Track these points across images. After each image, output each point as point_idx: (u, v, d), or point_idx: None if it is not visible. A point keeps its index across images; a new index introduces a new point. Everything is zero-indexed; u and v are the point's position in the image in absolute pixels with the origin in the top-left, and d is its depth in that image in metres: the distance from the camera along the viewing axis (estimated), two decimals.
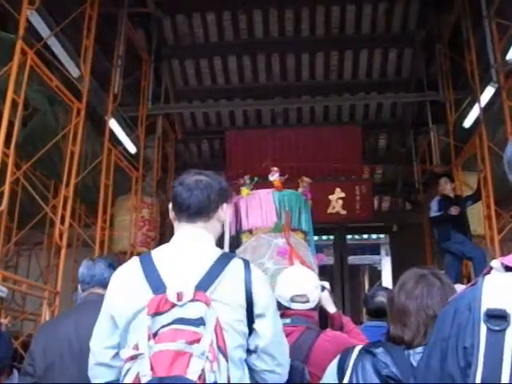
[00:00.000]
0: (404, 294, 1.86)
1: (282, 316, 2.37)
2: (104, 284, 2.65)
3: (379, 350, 1.77)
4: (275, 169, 4.83)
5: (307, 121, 12.21)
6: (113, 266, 2.80)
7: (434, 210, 7.30)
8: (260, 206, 4.75)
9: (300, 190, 4.97)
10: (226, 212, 1.93)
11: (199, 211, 1.85)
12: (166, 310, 1.55)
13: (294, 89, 11.10)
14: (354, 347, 1.87)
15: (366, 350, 1.80)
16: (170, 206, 1.92)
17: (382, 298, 3.52)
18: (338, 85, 11.14)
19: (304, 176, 5.15)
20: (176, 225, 1.90)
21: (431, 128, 10.20)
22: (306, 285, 2.65)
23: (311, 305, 2.62)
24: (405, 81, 10.98)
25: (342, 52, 10.57)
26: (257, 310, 1.72)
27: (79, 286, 2.86)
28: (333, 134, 11.74)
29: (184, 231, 1.86)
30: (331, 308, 2.86)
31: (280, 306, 2.49)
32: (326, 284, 3.00)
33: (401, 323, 1.82)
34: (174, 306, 1.55)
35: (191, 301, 1.56)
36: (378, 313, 3.51)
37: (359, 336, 2.74)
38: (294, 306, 2.59)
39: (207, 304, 1.57)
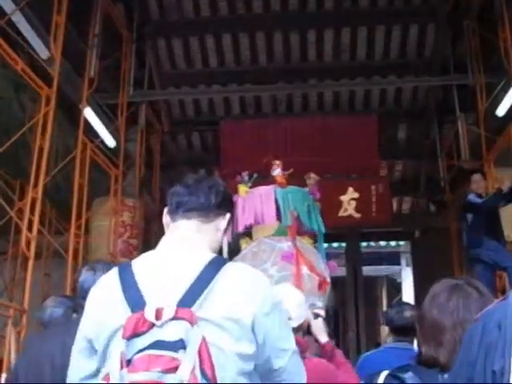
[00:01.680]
0: (436, 308, 1.85)
1: None
2: None
3: (408, 375, 1.76)
4: (277, 162, 4.84)
5: (314, 109, 12.20)
6: None
7: (477, 199, 7.18)
8: (260, 202, 4.76)
9: (307, 188, 4.99)
10: (227, 223, 1.93)
11: (198, 207, 1.85)
12: (144, 330, 1.52)
13: (298, 72, 11.10)
14: (379, 372, 1.86)
15: (394, 376, 1.80)
16: (166, 210, 1.92)
17: (410, 313, 3.56)
18: (350, 67, 11.14)
19: (311, 173, 5.15)
20: (168, 229, 1.88)
21: (458, 117, 10.21)
22: (287, 300, 2.77)
23: (293, 324, 2.73)
24: (427, 62, 10.98)
25: (355, 28, 10.57)
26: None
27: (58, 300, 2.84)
28: (344, 124, 11.73)
29: (173, 233, 1.85)
30: (323, 337, 3.04)
31: None
32: (321, 312, 3.20)
33: (434, 342, 1.81)
34: (153, 325, 1.53)
35: (172, 319, 1.53)
36: (405, 331, 3.55)
37: (349, 370, 2.88)
38: None
39: (191, 322, 1.53)
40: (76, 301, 2.93)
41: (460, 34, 9.83)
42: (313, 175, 5.08)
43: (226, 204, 1.94)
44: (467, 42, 9.57)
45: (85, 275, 2.87)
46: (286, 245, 4.56)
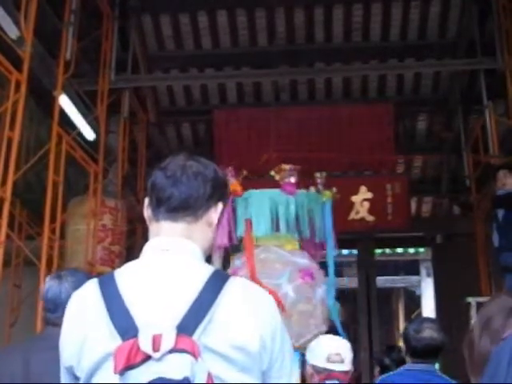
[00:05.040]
0: (489, 337, 1.79)
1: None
2: None
3: None
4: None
5: (322, 97, 12.22)
6: None
7: (506, 190, 7.19)
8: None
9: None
10: (220, 213, 1.83)
11: (183, 205, 1.77)
12: (137, 362, 1.48)
13: (304, 54, 11.11)
14: None
15: None
16: (146, 201, 1.85)
17: (431, 333, 3.55)
18: (362, 49, 11.16)
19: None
20: (152, 227, 1.82)
21: (486, 106, 10.19)
22: (339, 344, 3.63)
23: (346, 367, 3.50)
24: (451, 43, 11.00)
25: (368, 4, 10.58)
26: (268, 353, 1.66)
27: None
28: (356, 115, 11.76)
29: (159, 239, 1.77)
30: None
31: (316, 369, 3.47)
32: None
33: None
34: (148, 357, 1.48)
35: (171, 351, 1.48)
36: (425, 352, 3.54)
37: None
38: (330, 366, 3.45)
39: (195, 355, 1.48)
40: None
41: (488, 10, 9.83)
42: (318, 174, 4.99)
43: (217, 191, 1.83)
44: (496, 20, 9.57)
45: (49, 284, 2.86)
46: (302, 260, 4.53)
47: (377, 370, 6.32)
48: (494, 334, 1.77)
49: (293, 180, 4.71)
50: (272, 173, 4.74)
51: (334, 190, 4.86)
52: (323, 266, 4.91)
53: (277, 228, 4.70)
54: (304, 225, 4.73)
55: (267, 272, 4.38)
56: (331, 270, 4.52)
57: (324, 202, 4.81)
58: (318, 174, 4.86)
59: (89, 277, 2.78)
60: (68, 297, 2.69)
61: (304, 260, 4.51)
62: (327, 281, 4.69)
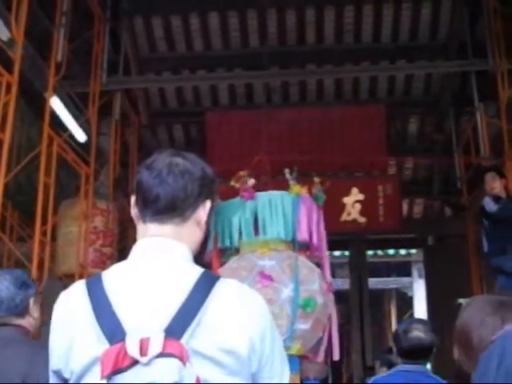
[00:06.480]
0: (486, 328, 1.79)
1: None
2: (18, 311, 2.63)
3: None
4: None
5: (313, 98, 12.24)
6: (27, 284, 2.73)
7: (491, 204, 7.19)
8: None
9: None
10: (208, 211, 1.80)
11: (170, 206, 1.72)
12: (125, 366, 1.46)
13: (295, 56, 11.12)
14: None
15: None
16: (133, 199, 1.81)
17: (419, 333, 3.55)
18: (353, 50, 11.17)
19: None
20: (139, 227, 1.79)
21: (477, 107, 10.23)
22: None
23: None
24: (442, 45, 11.03)
25: (360, 6, 10.59)
26: (258, 356, 1.64)
27: None
28: (347, 116, 11.76)
29: (147, 240, 1.74)
30: None
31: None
32: None
33: None
34: (136, 361, 1.46)
35: (159, 355, 1.46)
36: (413, 353, 3.54)
37: None
38: None
39: (183, 360, 1.47)
40: None
41: (479, 12, 9.87)
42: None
43: (205, 189, 1.79)
44: (487, 22, 9.61)
45: None
46: (268, 263, 4.44)
47: (383, 369, 6.26)
48: (491, 327, 1.78)
49: (250, 184, 4.67)
50: (232, 182, 4.70)
51: (320, 187, 4.83)
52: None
53: (258, 233, 4.66)
54: (273, 225, 4.64)
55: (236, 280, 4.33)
56: (296, 268, 4.40)
57: (293, 198, 4.72)
58: (286, 171, 4.80)
59: (26, 273, 2.76)
60: (9, 294, 2.69)
61: (269, 262, 4.42)
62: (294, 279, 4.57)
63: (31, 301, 2.72)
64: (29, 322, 2.70)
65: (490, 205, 7.14)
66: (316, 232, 4.57)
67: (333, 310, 4.52)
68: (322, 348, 4.39)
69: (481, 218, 7.49)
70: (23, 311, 2.68)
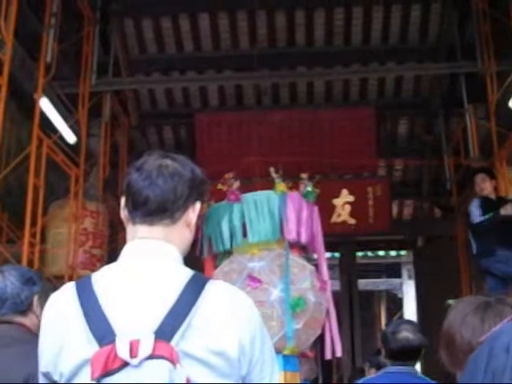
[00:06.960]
0: (471, 329, 1.81)
1: None
2: (21, 310, 2.61)
3: None
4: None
5: (303, 100, 12.25)
6: (33, 281, 2.70)
7: (476, 214, 7.24)
8: None
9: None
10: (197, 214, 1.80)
11: (160, 208, 1.72)
12: (115, 368, 1.46)
13: (285, 58, 11.13)
14: None
15: None
16: (123, 201, 1.80)
17: (407, 334, 3.54)
18: (343, 52, 11.19)
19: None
20: (129, 229, 1.79)
21: (467, 109, 10.27)
22: None
23: None
24: (432, 47, 11.07)
25: (350, 8, 10.62)
26: (248, 358, 1.64)
27: None
28: (337, 118, 11.78)
29: (137, 242, 1.74)
30: None
31: None
32: None
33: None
34: (126, 363, 1.46)
35: (149, 357, 1.46)
36: (402, 354, 3.53)
37: None
38: None
39: (173, 362, 1.46)
40: None
41: (468, 15, 9.91)
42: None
43: (195, 190, 1.79)
44: (476, 24, 9.64)
45: None
46: (257, 265, 4.40)
47: (371, 371, 6.25)
48: (474, 328, 1.80)
49: (235, 187, 4.65)
50: (219, 186, 4.68)
51: (308, 183, 4.81)
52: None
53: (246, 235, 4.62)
54: (260, 226, 4.61)
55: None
56: (287, 268, 4.36)
57: (280, 197, 4.67)
58: (272, 169, 4.77)
59: (29, 276, 2.74)
60: (14, 290, 2.67)
61: (258, 263, 4.38)
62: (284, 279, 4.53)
63: (35, 298, 2.71)
64: (31, 320, 2.68)
65: (474, 214, 7.16)
66: (308, 229, 4.56)
67: (331, 308, 4.52)
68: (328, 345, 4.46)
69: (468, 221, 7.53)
70: (27, 309, 2.67)
